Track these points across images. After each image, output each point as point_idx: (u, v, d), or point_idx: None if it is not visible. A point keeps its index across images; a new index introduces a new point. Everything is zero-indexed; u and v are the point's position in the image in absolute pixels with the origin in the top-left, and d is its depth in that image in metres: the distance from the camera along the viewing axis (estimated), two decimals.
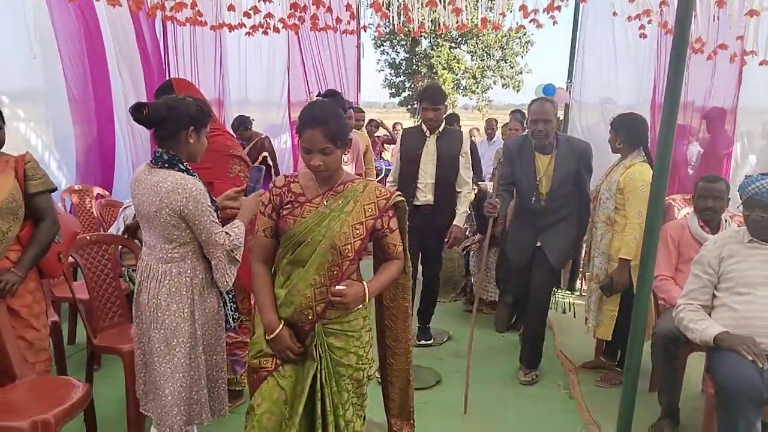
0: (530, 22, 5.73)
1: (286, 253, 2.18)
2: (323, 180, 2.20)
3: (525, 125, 5.66)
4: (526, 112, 5.04)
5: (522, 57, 25.76)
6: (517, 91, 26.19)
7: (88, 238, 3.22)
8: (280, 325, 2.15)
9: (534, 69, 26.49)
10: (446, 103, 4.24)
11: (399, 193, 2.29)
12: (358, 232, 2.16)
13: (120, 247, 3.48)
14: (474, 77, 26.37)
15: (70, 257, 3.12)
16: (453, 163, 4.14)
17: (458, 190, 4.19)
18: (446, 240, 4.27)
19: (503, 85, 26.39)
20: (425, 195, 4.17)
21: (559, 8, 5.44)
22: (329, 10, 5.60)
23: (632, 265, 3.46)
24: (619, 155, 3.74)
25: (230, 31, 6.29)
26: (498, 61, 26.07)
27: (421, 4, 5.92)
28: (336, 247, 2.12)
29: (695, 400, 3.49)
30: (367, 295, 2.14)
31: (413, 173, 4.16)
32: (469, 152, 4.23)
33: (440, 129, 4.17)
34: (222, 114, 7.56)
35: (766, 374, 2.45)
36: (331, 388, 2.19)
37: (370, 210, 2.18)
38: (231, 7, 5.38)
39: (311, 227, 2.13)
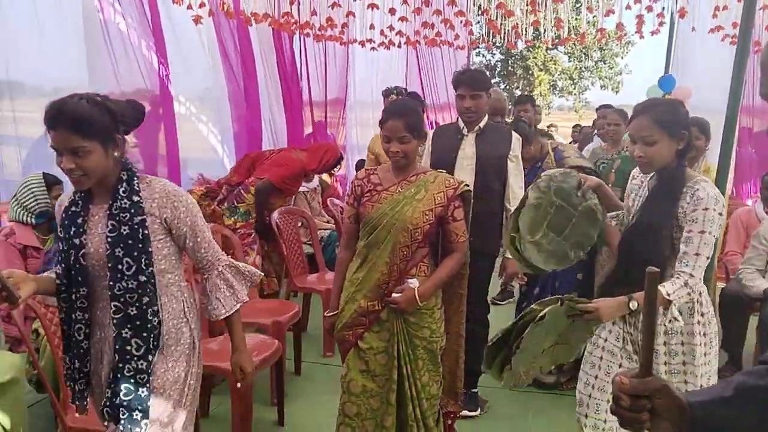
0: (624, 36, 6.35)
1: (364, 236, 2.47)
2: (399, 169, 2.48)
3: None
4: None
5: (622, 58, 25.63)
6: (616, 92, 26.05)
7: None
8: (335, 312, 2.56)
9: (634, 70, 26.28)
10: (490, 91, 3.33)
11: (467, 183, 2.54)
12: (427, 217, 2.40)
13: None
14: (571, 78, 26.46)
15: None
16: (498, 169, 3.23)
17: (508, 206, 3.27)
18: (499, 277, 3.53)
19: (601, 86, 26.33)
20: None
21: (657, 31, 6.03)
22: (452, 26, 6.57)
23: None
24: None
25: (362, 47, 7.43)
26: (596, 62, 26.06)
27: (524, 13, 6.71)
28: (407, 230, 2.38)
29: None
30: (417, 299, 2.39)
31: None
32: (520, 155, 3.33)
33: (481, 125, 3.26)
34: (344, 111, 8.82)
35: None
36: (408, 357, 2.47)
37: (439, 198, 2.43)
38: (372, 26, 6.49)
39: (386, 212, 2.40)
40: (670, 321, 2.04)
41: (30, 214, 3.16)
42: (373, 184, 2.49)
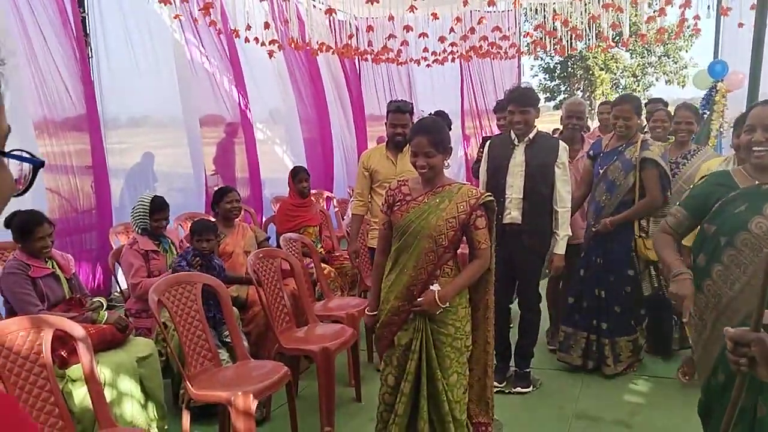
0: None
1: (396, 241, 2.69)
2: (426, 181, 2.67)
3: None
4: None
5: (686, 51, 25.01)
6: (683, 86, 25.39)
7: None
8: (375, 312, 2.78)
9: (700, 62, 25.56)
10: (538, 106, 3.70)
11: (489, 193, 2.72)
12: (451, 224, 2.59)
13: None
14: (634, 75, 26.01)
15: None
16: (545, 174, 3.61)
17: (555, 208, 3.65)
18: (546, 270, 3.86)
19: (666, 81, 25.72)
20: (512, 212, 3.64)
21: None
22: (498, 47, 7.07)
23: None
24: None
25: (417, 65, 8.04)
26: (660, 57, 25.52)
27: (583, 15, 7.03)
28: (432, 237, 2.58)
29: None
30: (438, 302, 2.56)
31: (500, 187, 3.62)
32: (567, 163, 3.68)
33: (531, 136, 3.64)
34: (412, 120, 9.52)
35: None
36: (434, 353, 2.61)
37: (462, 207, 2.60)
38: (425, 49, 7.10)
39: (413, 220, 2.60)
40: None
41: (136, 227, 3.83)
42: (404, 195, 2.70)
